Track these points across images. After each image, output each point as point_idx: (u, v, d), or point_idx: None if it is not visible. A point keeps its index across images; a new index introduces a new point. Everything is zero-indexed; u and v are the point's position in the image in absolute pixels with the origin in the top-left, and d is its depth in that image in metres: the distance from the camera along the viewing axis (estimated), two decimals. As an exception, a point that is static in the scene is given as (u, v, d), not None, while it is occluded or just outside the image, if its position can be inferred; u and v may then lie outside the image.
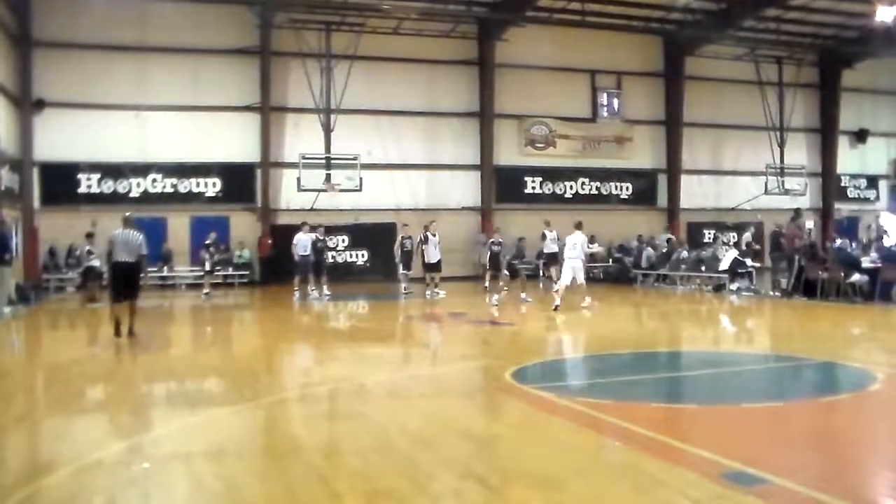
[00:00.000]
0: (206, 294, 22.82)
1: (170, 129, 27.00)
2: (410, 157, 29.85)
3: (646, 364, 10.81)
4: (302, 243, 21.96)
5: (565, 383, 8.97)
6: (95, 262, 20.41)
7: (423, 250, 22.12)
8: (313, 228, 22.71)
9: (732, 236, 33.01)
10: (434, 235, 22.00)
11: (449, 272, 25.69)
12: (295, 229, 28.08)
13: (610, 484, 5.25)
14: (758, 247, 24.94)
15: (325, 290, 22.10)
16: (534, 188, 31.74)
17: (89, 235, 21.34)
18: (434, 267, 22.04)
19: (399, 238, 23.23)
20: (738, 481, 5.03)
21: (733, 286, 22.06)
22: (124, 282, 13.21)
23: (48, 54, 25.78)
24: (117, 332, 13.21)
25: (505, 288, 19.95)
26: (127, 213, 14.48)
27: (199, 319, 18.48)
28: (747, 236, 25.73)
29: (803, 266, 19.49)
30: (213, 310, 20.61)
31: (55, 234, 25.94)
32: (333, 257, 27.56)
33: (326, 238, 23.46)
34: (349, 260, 29.16)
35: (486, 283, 22.44)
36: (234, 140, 27.65)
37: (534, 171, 31.66)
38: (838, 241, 24.63)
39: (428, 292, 21.57)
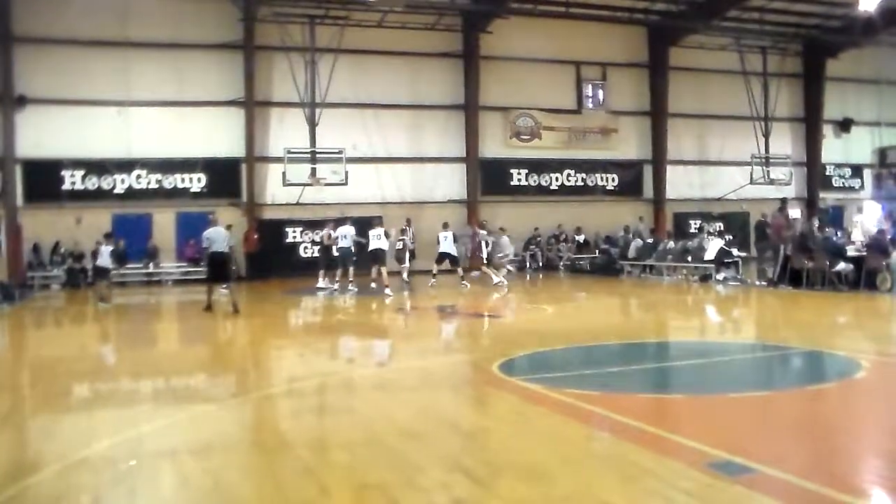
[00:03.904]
0: (226, 287, 22.38)
1: (154, 125, 26.84)
2: (396, 151, 29.81)
3: (633, 355, 10.82)
4: (351, 235, 21.57)
5: (553, 375, 8.96)
6: (108, 262, 20.07)
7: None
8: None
9: (718, 226, 33.16)
10: (376, 229, 21.27)
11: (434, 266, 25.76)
12: (281, 224, 28.34)
13: (598, 475, 5.25)
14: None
15: (325, 283, 22.14)
16: (520, 180, 31.75)
17: (108, 235, 21.09)
18: (375, 257, 21.19)
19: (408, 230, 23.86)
20: (725, 471, 5.04)
21: (719, 276, 22.13)
22: (219, 268, 17.07)
23: (29, 50, 25.57)
24: (209, 308, 16.76)
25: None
26: (211, 215, 19.45)
27: (187, 315, 18.40)
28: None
29: (789, 255, 19.57)
30: (200, 305, 20.51)
31: (39, 232, 25.83)
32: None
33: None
34: (335, 254, 29.03)
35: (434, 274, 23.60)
36: (218, 135, 27.50)
37: (519, 163, 31.67)
38: (826, 230, 24.65)
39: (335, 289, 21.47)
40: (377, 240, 20.91)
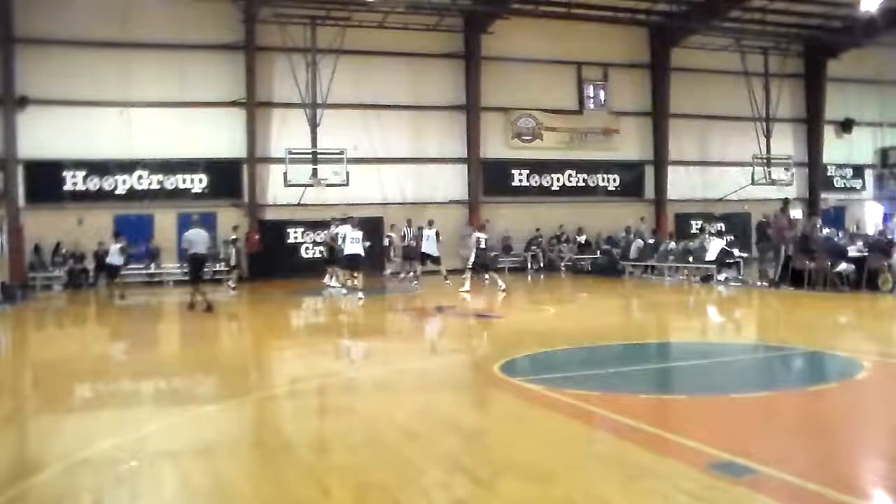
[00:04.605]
0: (234, 288, 22.61)
1: (155, 126, 26.83)
2: (397, 151, 29.80)
3: (634, 355, 10.81)
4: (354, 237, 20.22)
5: (554, 375, 8.95)
6: (118, 261, 20.93)
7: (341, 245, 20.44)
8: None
9: (720, 227, 33.15)
10: (354, 229, 19.88)
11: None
12: (282, 224, 28.31)
13: (599, 475, 5.25)
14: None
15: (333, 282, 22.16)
16: (521, 181, 31.74)
17: (116, 234, 21.84)
18: (352, 261, 19.83)
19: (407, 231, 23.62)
20: (727, 472, 5.04)
21: (721, 277, 22.12)
22: (200, 269, 17.64)
23: (31, 51, 25.57)
24: (192, 307, 17.29)
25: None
26: (195, 217, 19.23)
27: (189, 316, 18.41)
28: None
29: (790, 256, 19.56)
30: (200, 306, 20.54)
31: (41, 233, 25.84)
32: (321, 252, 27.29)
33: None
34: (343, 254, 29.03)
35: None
36: (220, 136, 27.52)
37: (521, 164, 31.67)
38: (826, 230, 24.66)
39: (344, 291, 20.03)
40: (353, 244, 19.49)
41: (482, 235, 21.54)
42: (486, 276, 21.74)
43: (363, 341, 13.44)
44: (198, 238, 17.22)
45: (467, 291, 20.34)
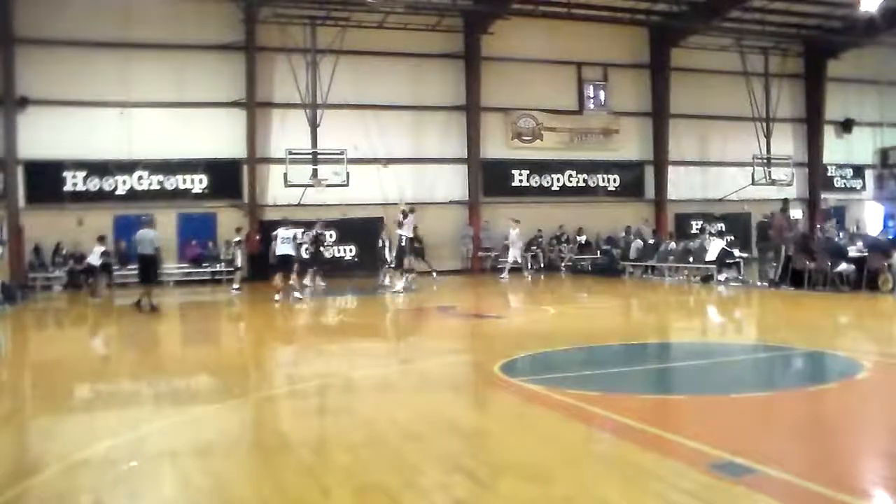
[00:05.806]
0: (237, 289, 22.54)
1: (155, 126, 26.79)
2: (397, 152, 29.77)
3: (634, 355, 10.81)
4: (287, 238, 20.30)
5: (554, 376, 8.95)
6: (95, 261, 21.42)
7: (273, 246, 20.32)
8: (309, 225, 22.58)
9: (720, 227, 33.14)
10: (286, 229, 20.25)
11: (436, 266, 25.86)
12: (282, 225, 28.17)
13: (599, 475, 5.25)
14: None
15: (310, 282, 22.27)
16: (521, 181, 31.73)
17: (101, 238, 22.13)
18: (284, 262, 20.02)
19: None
20: (727, 472, 5.03)
21: (721, 277, 22.11)
22: (145, 269, 17.99)
23: (31, 51, 25.54)
24: (138, 306, 17.59)
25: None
26: (143, 217, 19.39)
27: (188, 317, 18.45)
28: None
29: (790, 256, 19.56)
30: (203, 306, 20.53)
31: (41, 233, 25.82)
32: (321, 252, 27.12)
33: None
34: (337, 255, 29.05)
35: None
36: (220, 136, 27.48)
37: (521, 164, 31.65)
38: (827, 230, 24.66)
39: (279, 296, 19.53)
40: (284, 244, 19.67)
41: (403, 230, 21.76)
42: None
43: (363, 341, 13.43)
44: (142, 238, 17.63)
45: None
